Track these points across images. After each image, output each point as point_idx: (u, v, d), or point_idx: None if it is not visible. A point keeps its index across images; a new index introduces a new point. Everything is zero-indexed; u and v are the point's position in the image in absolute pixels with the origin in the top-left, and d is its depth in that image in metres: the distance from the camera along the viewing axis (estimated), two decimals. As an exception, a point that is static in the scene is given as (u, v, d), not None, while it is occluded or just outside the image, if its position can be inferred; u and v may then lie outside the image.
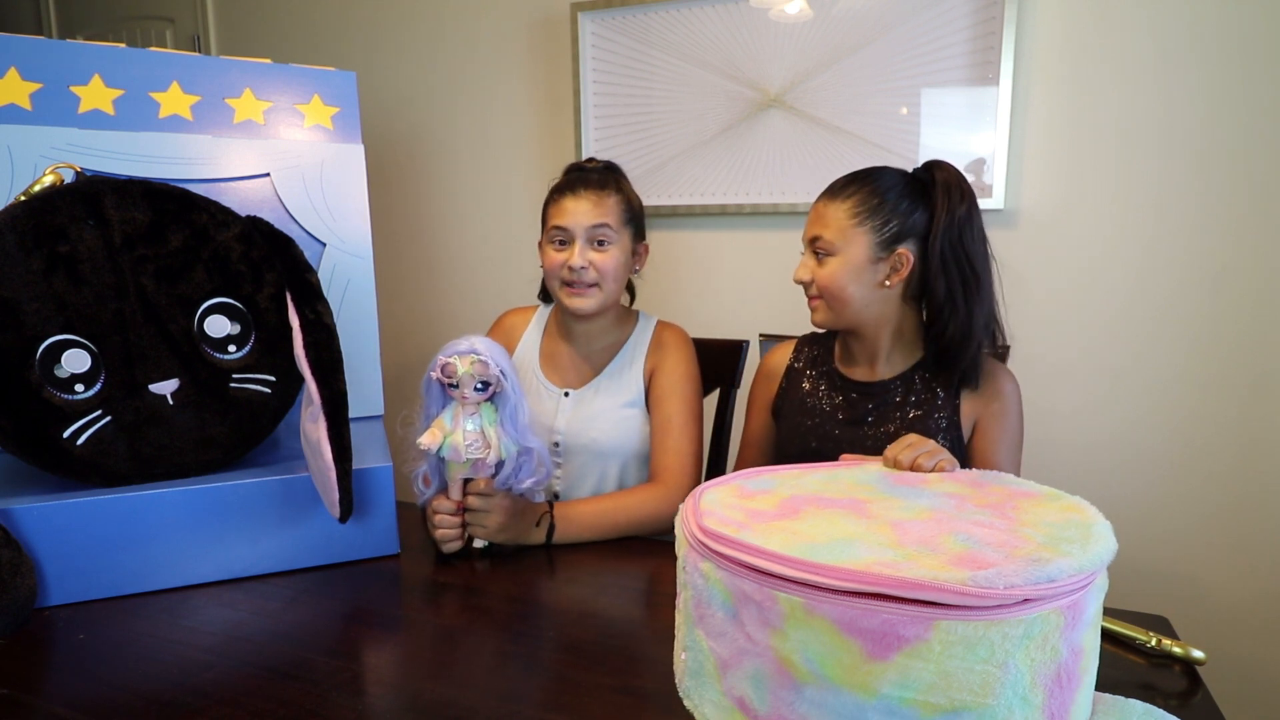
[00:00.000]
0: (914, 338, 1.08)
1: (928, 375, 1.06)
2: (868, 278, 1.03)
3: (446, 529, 1.00)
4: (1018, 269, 1.64)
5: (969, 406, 1.04)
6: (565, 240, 1.18)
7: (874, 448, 0.86)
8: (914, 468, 0.79)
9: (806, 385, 1.14)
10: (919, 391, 1.06)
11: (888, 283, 1.03)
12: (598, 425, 1.22)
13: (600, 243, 1.17)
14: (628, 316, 1.29)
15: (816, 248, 1.04)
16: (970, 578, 0.49)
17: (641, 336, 1.27)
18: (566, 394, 1.25)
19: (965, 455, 1.05)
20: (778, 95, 1.75)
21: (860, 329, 1.07)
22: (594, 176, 1.21)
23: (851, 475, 0.77)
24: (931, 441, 0.83)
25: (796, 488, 0.72)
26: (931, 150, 1.65)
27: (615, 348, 1.27)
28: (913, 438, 0.84)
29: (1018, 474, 1.04)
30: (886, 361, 1.08)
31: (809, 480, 0.75)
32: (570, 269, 1.17)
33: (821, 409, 1.10)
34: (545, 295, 1.34)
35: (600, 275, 1.17)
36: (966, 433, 1.05)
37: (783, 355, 1.20)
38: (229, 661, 0.77)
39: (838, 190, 1.05)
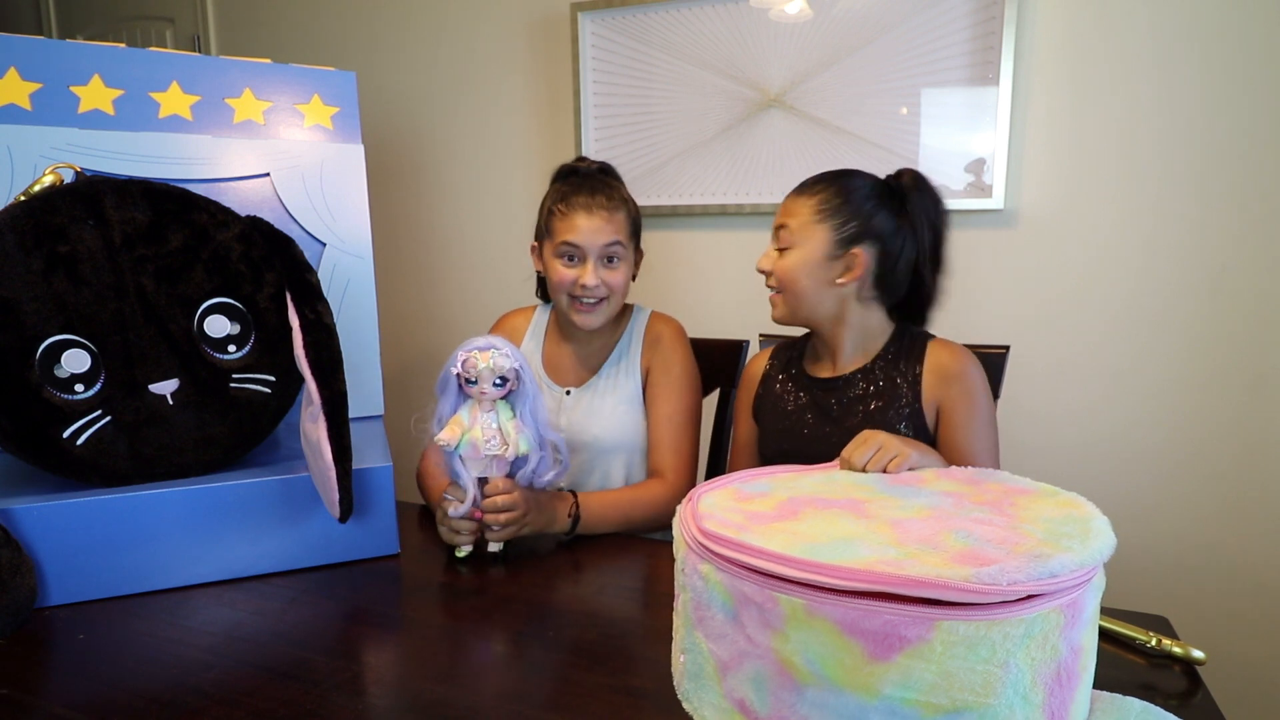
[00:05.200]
0: (875, 337, 1.10)
1: (887, 366, 1.07)
2: (821, 274, 1.05)
3: (461, 530, 0.99)
4: (1017, 269, 1.64)
5: (930, 392, 1.04)
6: (576, 257, 1.17)
7: (841, 444, 0.86)
8: (868, 470, 0.80)
9: (778, 389, 1.16)
10: (878, 382, 1.06)
11: (840, 280, 1.05)
12: (598, 423, 1.23)
13: (611, 260, 1.18)
14: (622, 312, 1.30)
15: (779, 239, 1.07)
16: (973, 574, 0.49)
17: (635, 331, 1.27)
18: (568, 393, 1.26)
19: (933, 442, 1.05)
20: (778, 95, 1.75)
21: (816, 326, 1.11)
22: (599, 186, 1.19)
23: (848, 477, 0.78)
24: (882, 435, 0.84)
25: (794, 489, 0.72)
26: (932, 150, 1.65)
27: (611, 345, 1.28)
28: (866, 434, 0.84)
29: (996, 453, 1.05)
30: (847, 358, 1.10)
31: (806, 482, 0.75)
32: (584, 287, 1.16)
33: (790, 410, 1.12)
34: (543, 295, 1.35)
35: (610, 291, 1.18)
36: (931, 419, 1.05)
37: (760, 362, 1.22)
38: (229, 661, 0.77)
39: (808, 186, 1.08)
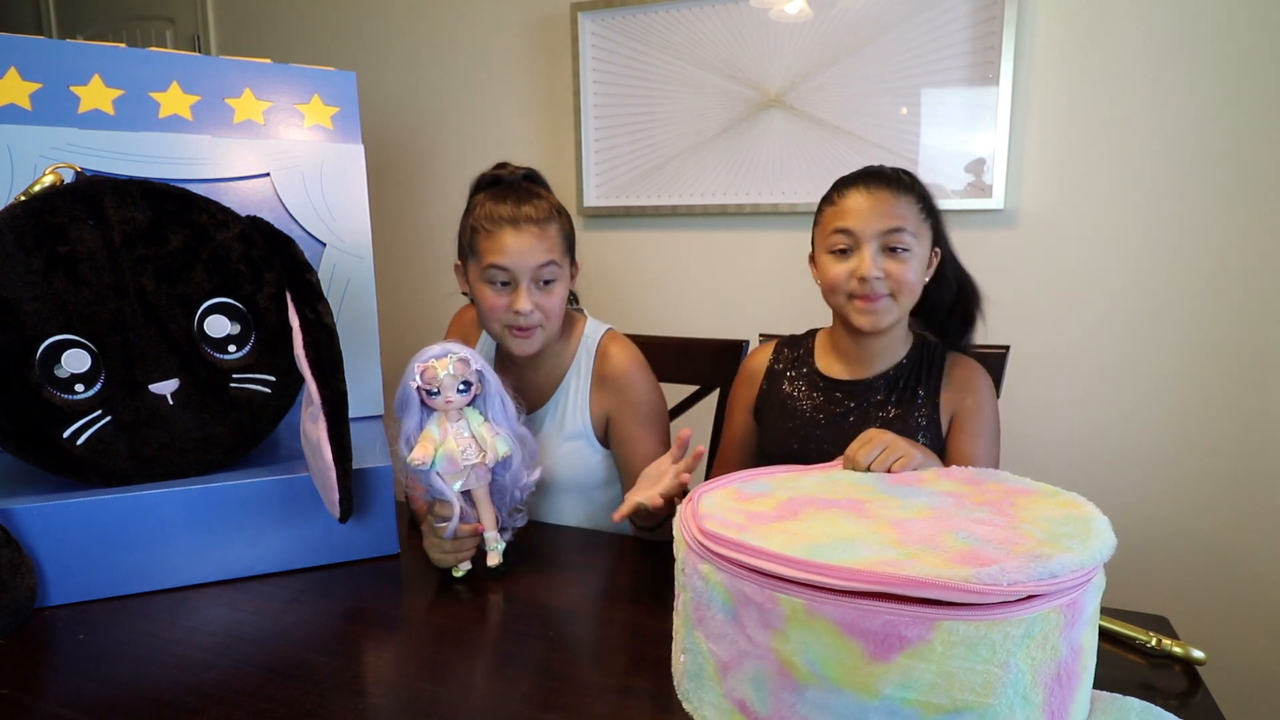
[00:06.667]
0: (904, 343, 1.09)
1: (909, 375, 1.07)
2: (924, 274, 1.04)
3: (460, 551, 0.94)
4: (1017, 268, 1.65)
5: (947, 403, 1.05)
6: (507, 281, 1.06)
7: None
8: (873, 469, 0.80)
9: (787, 386, 1.14)
10: (900, 391, 1.06)
11: (925, 280, 1.05)
12: (544, 461, 1.15)
13: (546, 282, 1.07)
14: (571, 329, 1.19)
15: (895, 241, 0.99)
16: (974, 575, 0.49)
17: (585, 360, 1.18)
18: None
19: (943, 451, 1.06)
20: (778, 95, 1.75)
21: (890, 329, 1.06)
22: (526, 195, 1.08)
23: (849, 477, 0.78)
24: (887, 435, 0.83)
25: (794, 490, 0.72)
26: (932, 150, 1.65)
27: (560, 371, 1.18)
28: (871, 433, 0.84)
29: (996, 467, 1.05)
30: (876, 362, 1.09)
31: (806, 482, 0.75)
32: (517, 313, 1.06)
33: (803, 410, 1.10)
34: None
35: (546, 316, 1.08)
36: (944, 429, 1.06)
37: (763, 357, 1.19)
38: (229, 661, 0.77)
39: (899, 182, 1.02)
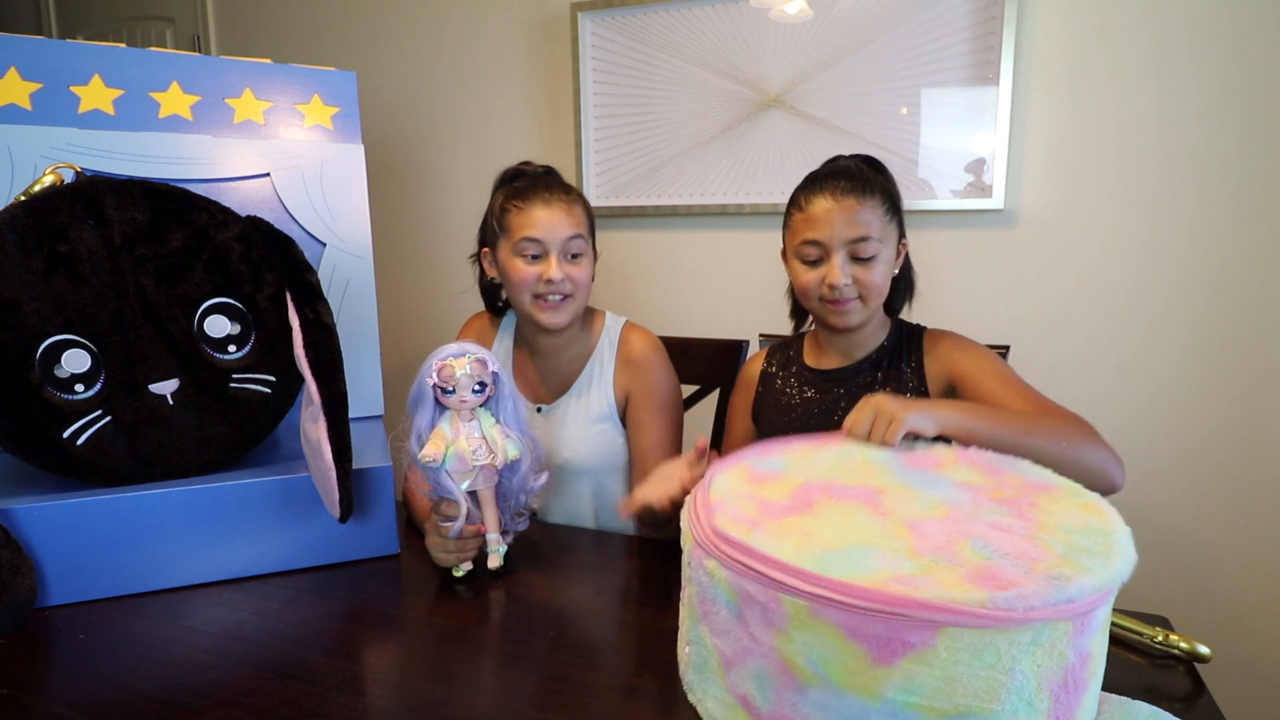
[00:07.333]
0: (879, 324, 1.10)
1: (891, 355, 1.08)
2: (892, 271, 1.06)
3: (462, 551, 0.95)
4: (1017, 268, 1.64)
5: (933, 374, 1.06)
6: (538, 253, 1.12)
7: None
8: (871, 440, 0.79)
9: (779, 384, 1.16)
10: (885, 370, 1.08)
11: (895, 272, 1.06)
12: (569, 445, 1.19)
13: (574, 255, 1.13)
14: (592, 321, 1.24)
15: (861, 250, 1.01)
16: (989, 599, 0.48)
17: (608, 347, 1.22)
18: (539, 409, 1.22)
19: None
20: (778, 95, 1.75)
21: (866, 323, 1.08)
22: (553, 183, 1.16)
23: (862, 453, 0.76)
24: (877, 398, 0.81)
25: (808, 470, 0.71)
26: (932, 150, 1.65)
27: (582, 359, 1.22)
28: (864, 400, 0.82)
29: (1024, 384, 1.01)
30: (858, 348, 1.10)
31: (820, 460, 0.73)
32: (548, 282, 1.11)
33: (796, 405, 1.12)
34: (490, 306, 1.29)
35: (575, 287, 1.13)
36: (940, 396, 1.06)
37: (757, 364, 1.21)
38: (229, 661, 0.77)
39: (864, 185, 1.03)
